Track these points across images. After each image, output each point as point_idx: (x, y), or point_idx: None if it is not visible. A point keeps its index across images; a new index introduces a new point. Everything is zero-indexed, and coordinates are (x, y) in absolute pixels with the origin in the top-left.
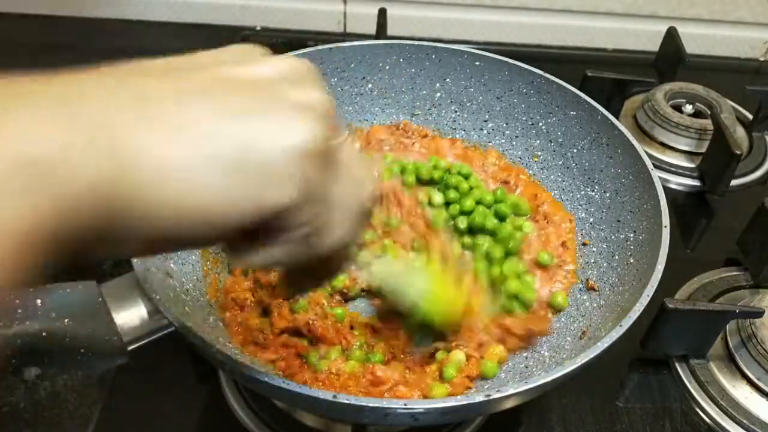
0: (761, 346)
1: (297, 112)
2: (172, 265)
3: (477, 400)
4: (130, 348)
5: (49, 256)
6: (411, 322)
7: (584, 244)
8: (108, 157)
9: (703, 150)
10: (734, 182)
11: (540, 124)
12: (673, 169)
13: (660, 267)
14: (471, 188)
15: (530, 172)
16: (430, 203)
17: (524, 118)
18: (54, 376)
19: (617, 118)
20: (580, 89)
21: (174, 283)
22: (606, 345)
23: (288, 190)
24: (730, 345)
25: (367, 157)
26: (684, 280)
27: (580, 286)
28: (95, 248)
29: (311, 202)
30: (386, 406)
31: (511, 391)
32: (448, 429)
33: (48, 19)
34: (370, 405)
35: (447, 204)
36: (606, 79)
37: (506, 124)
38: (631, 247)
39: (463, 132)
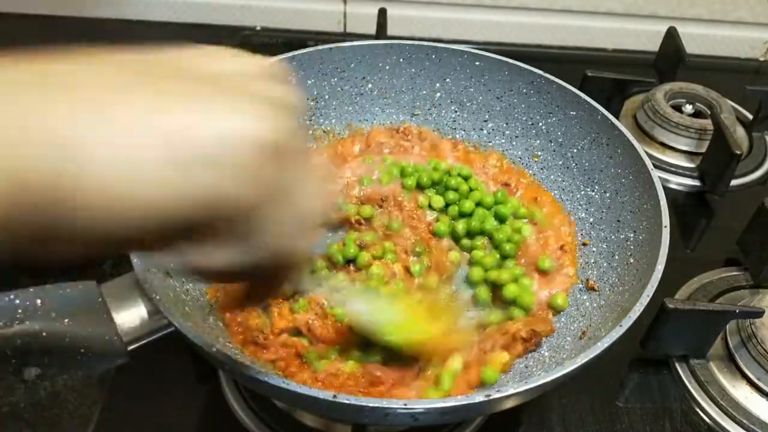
0: (761, 346)
1: (256, 102)
2: (172, 265)
3: (477, 400)
4: (130, 348)
5: None
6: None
7: (584, 244)
8: (42, 143)
9: (703, 150)
10: (734, 182)
11: (540, 124)
12: (673, 169)
13: (660, 267)
14: (471, 190)
15: (530, 172)
16: (431, 206)
17: (524, 118)
18: (54, 376)
19: (617, 118)
20: (580, 89)
21: (174, 283)
22: (606, 345)
23: (235, 182)
24: (730, 345)
25: (332, 171)
26: (684, 280)
27: (580, 286)
28: (37, 241)
29: (263, 202)
30: (386, 406)
31: (511, 391)
32: (448, 429)
33: (48, 19)
34: (370, 405)
35: (447, 206)
36: (606, 79)
37: (506, 124)
38: (631, 247)
39: (463, 132)
